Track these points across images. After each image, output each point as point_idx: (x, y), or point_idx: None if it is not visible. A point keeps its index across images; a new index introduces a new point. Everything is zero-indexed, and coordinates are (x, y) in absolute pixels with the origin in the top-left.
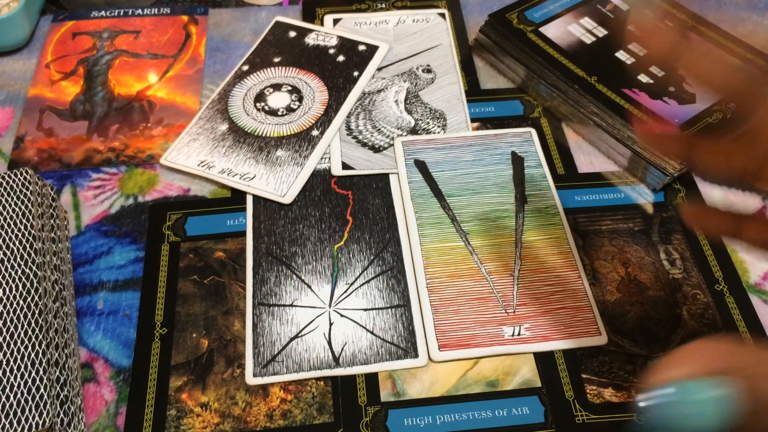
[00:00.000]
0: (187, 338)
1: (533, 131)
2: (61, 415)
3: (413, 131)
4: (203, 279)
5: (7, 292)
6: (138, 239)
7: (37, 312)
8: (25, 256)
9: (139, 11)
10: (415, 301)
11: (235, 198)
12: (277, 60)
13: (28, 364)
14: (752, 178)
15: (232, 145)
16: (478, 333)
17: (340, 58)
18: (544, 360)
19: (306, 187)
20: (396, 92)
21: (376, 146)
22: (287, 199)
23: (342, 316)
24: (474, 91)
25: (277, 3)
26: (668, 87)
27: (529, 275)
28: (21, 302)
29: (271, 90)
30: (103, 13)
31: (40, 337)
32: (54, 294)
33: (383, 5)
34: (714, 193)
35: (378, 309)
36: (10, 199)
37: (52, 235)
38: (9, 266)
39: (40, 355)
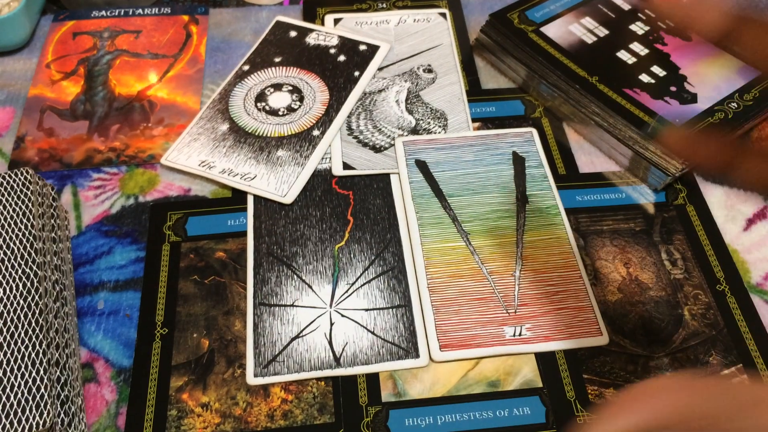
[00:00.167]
0: (187, 338)
1: (534, 131)
2: (62, 415)
3: (414, 131)
4: (204, 279)
5: (8, 291)
6: (139, 239)
7: (37, 312)
8: (26, 255)
9: (140, 11)
10: (416, 301)
11: (236, 198)
12: (277, 60)
13: (29, 363)
14: None
15: (233, 145)
16: (480, 333)
17: (341, 57)
18: (545, 360)
19: (307, 187)
20: (397, 92)
21: (377, 146)
22: (288, 199)
23: (343, 316)
24: (475, 91)
25: (277, 3)
26: (669, 87)
27: (530, 275)
28: (21, 302)
29: (271, 90)
30: (103, 12)
31: (41, 336)
32: (54, 294)
33: (384, 5)
34: (715, 193)
35: (379, 309)
36: (10, 199)
37: (53, 235)
38: (9, 266)
39: (41, 355)
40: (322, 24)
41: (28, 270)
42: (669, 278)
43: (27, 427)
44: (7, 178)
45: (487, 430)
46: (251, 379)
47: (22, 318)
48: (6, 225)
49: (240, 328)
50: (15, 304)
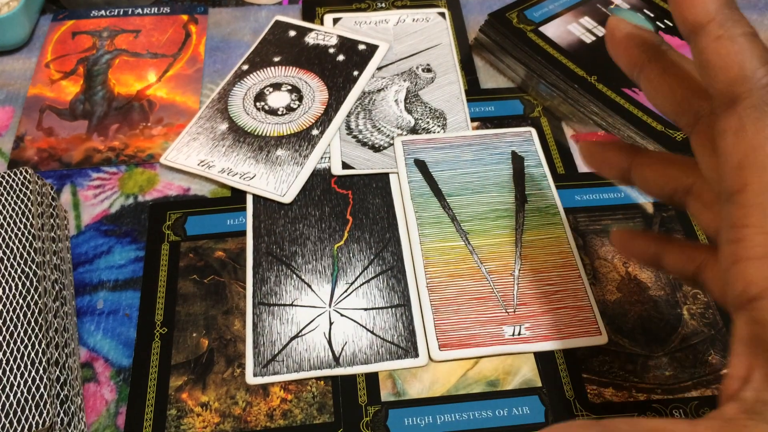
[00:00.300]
0: (187, 338)
1: (533, 131)
2: (61, 414)
3: (413, 131)
4: (203, 278)
5: (7, 291)
6: (138, 239)
7: (36, 311)
8: (25, 255)
9: (139, 10)
10: (416, 300)
11: (235, 197)
12: (276, 59)
13: (28, 363)
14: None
15: (232, 144)
16: (479, 332)
17: (340, 57)
18: (544, 360)
19: (306, 187)
20: (396, 92)
21: (376, 146)
22: (287, 199)
23: (342, 315)
24: (474, 91)
25: (276, 2)
26: None
27: (529, 275)
28: (21, 301)
29: (270, 89)
30: (102, 12)
31: (40, 336)
32: (54, 293)
33: (383, 4)
34: None
35: (378, 308)
36: (9, 199)
37: (52, 234)
38: (9, 265)
39: (40, 354)
40: (321, 23)
41: (27, 269)
42: (668, 277)
43: (26, 426)
44: (7, 177)
45: (487, 429)
46: (251, 379)
47: (22, 317)
48: (5, 224)
49: (239, 327)
50: (14, 304)
